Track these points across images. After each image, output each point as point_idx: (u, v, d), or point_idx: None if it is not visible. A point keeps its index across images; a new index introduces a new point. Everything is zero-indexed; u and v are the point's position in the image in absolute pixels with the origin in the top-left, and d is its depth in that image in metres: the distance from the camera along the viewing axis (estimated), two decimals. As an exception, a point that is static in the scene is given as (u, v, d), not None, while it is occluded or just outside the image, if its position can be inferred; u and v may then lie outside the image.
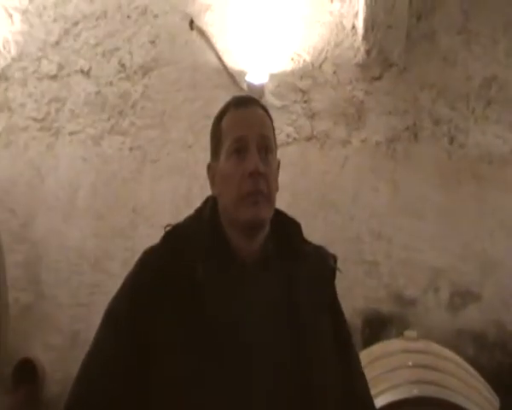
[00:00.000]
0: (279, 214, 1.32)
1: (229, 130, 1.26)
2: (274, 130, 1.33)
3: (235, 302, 1.22)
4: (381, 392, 2.09)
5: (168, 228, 1.29)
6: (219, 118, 1.30)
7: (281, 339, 1.22)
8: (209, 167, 1.32)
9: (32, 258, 3.32)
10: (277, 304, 1.24)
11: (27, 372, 3.10)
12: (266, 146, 1.27)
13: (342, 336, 1.36)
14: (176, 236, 1.27)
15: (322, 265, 1.34)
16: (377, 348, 2.58)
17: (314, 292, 1.29)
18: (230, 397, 1.17)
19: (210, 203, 1.32)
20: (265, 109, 1.33)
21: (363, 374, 1.41)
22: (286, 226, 1.33)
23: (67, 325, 3.25)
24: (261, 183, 1.23)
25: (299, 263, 1.29)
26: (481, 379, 2.40)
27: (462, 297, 3.14)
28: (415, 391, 2.05)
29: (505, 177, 3.15)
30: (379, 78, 3.31)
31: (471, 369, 2.44)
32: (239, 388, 1.17)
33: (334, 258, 1.37)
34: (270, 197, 1.26)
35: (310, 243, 1.36)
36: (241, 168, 1.23)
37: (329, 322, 1.31)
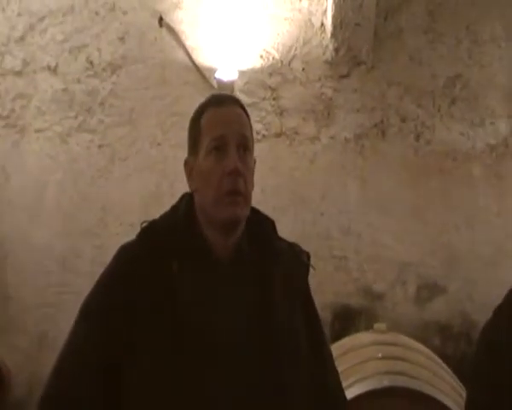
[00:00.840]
0: (253, 212, 1.34)
1: (209, 128, 1.27)
2: (252, 129, 1.35)
3: (207, 300, 1.23)
4: (352, 383, 2.12)
5: (144, 224, 1.29)
6: (198, 115, 1.31)
7: (252, 337, 1.23)
8: (186, 163, 1.33)
9: (-3, 258, 3.26)
10: (251, 302, 1.26)
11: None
12: (245, 145, 1.28)
13: (315, 334, 1.37)
14: (152, 232, 1.28)
15: (295, 262, 1.36)
16: (348, 341, 2.61)
17: (288, 289, 1.30)
18: (196, 394, 1.18)
19: (185, 200, 1.33)
20: (244, 108, 1.34)
21: (335, 370, 1.43)
22: (260, 224, 1.35)
23: (34, 327, 3.18)
24: (240, 182, 1.25)
25: (273, 260, 1.31)
26: (448, 369, 2.45)
27: (429, 290, 3.20)
28: (385, 382, 2.09)
29: (469, 172, 3.22)
30: (347, 75, 3.35)
31: (438, 359, 2.49)
32: (206, 385, 1.18)
33: (308, 255, 1.39)
34: (247, 197, 1.28)
35: (283, 240, 1.37)
36: (221, 166, 1.24)
37: (303, 319, 1.33)
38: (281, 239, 1.38)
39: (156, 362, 1.19)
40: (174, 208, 1.33)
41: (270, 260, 1.31)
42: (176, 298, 1.21)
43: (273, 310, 1.27)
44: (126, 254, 1.28)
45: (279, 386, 1.22)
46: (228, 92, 3.25)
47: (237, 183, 1.24)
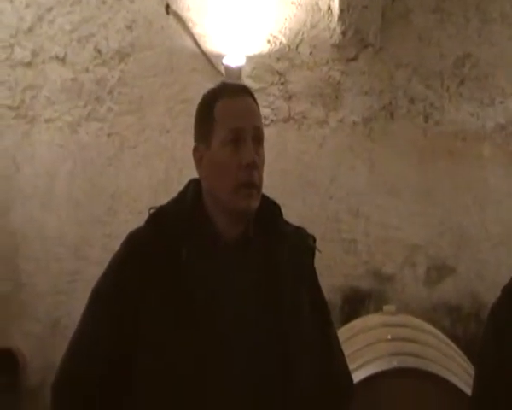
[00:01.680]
0: (261, 197, 1.35)
1: (225, 119, 1.29)
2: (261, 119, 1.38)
3: (215, 287, 1.25)
4: (362, 365, 2.12)
5: (152, 210, 1.32)
6: (210, 103, 1.32)
7: (260, 324, 1.26)
8: (196, 150, 1.34)
9: (10, 248, 3.30)
10: (258, 283, 1.28)
11: (7, 361, 3.09)
12: (259, 137, 1.31)
13: (322, 317, 1.39)
14: (160, 217, 1.31)
15: (301, 245, 1.37)
16: (357, 323, 2.61)
17: (294, 271, 1.32)
18: (203, 382, 1.21)
19: (192, 186, 1.36)
20: (254, 98, 1.36)
21: (341, 354, 1.45)
22: (267, 209, 1.36)
23: (47, 314, 3.24)
24: (255, 175, 1.28)
25: (279, 243, 1.33)
26: (458, 349, 2.44)
27: (439, 271, 3.19)
28: (394, 363, 2.07)
29: (479, 153, 3.19)
30: (355, 58, 3.33)
31: (448, 340, 2.49)
32: (214, 360, 1.21)
33: (313, 238, 1.40)
34: (260, 189, 1.31)
35: (290, 225, 1.39)
36: (237, 159, 1.27)
37: (309, 304, 1.35)
38: (287, 223, 1.40)
39: (163, 349, 1.22)
40: (181, 194, 1.36)
41: (276, 246, 1.33)
42: (184, 285, 1.24)
43: (280, 297, 1.29)
44: (134, 240, 1.30)
45: (288, 373, 1.24)
46: (235, 79, 3.25)
47: (253, 175, 1.27)
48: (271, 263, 1.31)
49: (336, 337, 1.45)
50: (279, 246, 1.33)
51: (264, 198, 1.36)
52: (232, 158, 1.27)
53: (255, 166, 1.28)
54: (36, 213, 3.31)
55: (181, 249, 1.25)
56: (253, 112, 1.33)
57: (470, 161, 3.17)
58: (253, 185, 1.28)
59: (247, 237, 1.32)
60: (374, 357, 2.17)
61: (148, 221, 1.31)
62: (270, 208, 1.38)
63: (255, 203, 1.29)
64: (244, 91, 1.35)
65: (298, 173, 3.25)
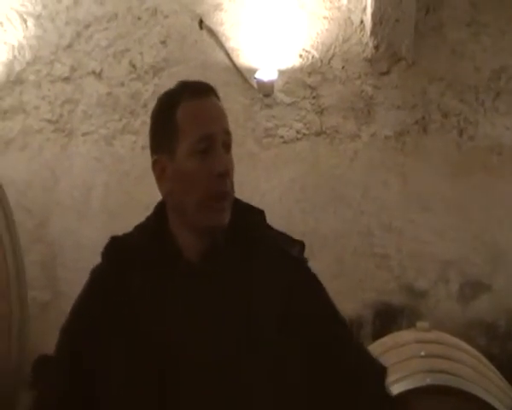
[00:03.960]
0: (237, 203, 1.24)
1: (191, 125, 1.17)
2: None
3: (172, 311, 1.16)
4: (395, 381, 2.10)
5: (107, 241, 1.26)
6: (171, 108, 1.19)
7: (220, 349, 1.14)
8: (157, 162, 1.21)
9: (48, 257, 3.39)
10: (224, 306, 1.16)
11: (46, 369, 3.15)
12: (228, 143, 1.20)
13: (318, 331, 1.23)
14: (114, 247, 1.25)
15: (279, 255, 1.22)
16: (389, 339, 2.59)
17: (267, 286, 1.19)
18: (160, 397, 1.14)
19: (157, 207, 1.28)
20: (219, 96, 1.23)
21: (355, 349, 1.29)
22: (245, 215, 1.24)
23: (84, 322, 3.30)
24: (227, 184, 1.17)
25: (251, 255, 1.20)
26: (494, 369, 2.41)
27: (473, 288, 3.14)
28: (428, 380, 2.06)
29: (515, 167, 3.15)
30: (387, 72, 3.33)
31: (483, 358, 2.45)
32: (168, 404, 1.14)
33: (300, 245, 1.26)
34: (233, 198, 1.21)
35: (272, 232, 1.27)
36: (207, 168, 1.16)
37: (290, 319, 1.19)
38: (269, 230, 1.26)
39: (116, 382, 1.16)
40: (147, 218, 1.29)
41: (250, 253, 1.20)
42: (137, 313, 1.17)
43: (248, 318, 1.15)
44: (92, 274, 1.28)
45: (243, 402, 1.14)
46: (268, 93, 3.28)
47: (226, 185, 1.17)
48: (240, 278, 1.18)
49: (347, 336, 1.29)
50: (250, 256, 1.20)
51: (243, 205, 1.26)
52: (201, 167, 1.15)
53: (228, 174, 1.17)
54: (73, 223, 3.40)
55: (133, 277, 1.18)
56: (222, 114, 1.20)
57: (505, 175, 3.13)
58: (226, 195, 1.17)
59: (215, 249, 1.20)
60: (407, 373, 2.15)
61: (101, 253, 1.26)
62: (250, 215, 1.25)
63: (227, 217, 1.18)
64: (208, 90, 1.21)
65: (330, 187, 3.26)
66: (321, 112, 3.35)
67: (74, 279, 3.35)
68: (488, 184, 3.13)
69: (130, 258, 1.21)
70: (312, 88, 3.37)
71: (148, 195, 3.35)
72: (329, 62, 3.36)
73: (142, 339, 1.15)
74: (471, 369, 2.27)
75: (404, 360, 2.24)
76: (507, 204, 3.09)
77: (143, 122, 3.44)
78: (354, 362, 1.25)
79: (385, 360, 2.26)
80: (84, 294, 1.28)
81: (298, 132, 3.31)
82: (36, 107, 3.48)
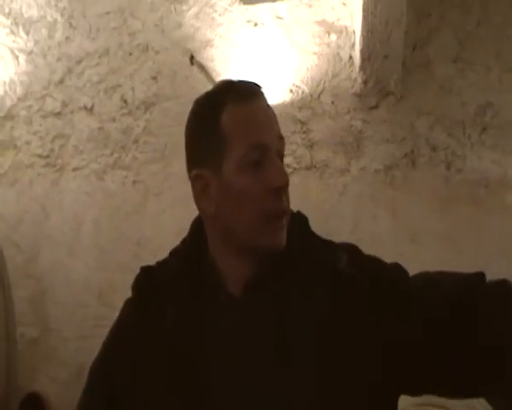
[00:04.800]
0: None
1: (240, 133, 1.00)
2: None
3: (213, 355, 1.01)
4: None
5: (138, 273, 1.13)
6: (214, 113, 1.02)
7: (267, 378, 0.97)
8: (197, 178, 1.04)
9: (38, 293, 3.37)
10: (267, 338, 0.99)
11: (34, 406, 3.12)
12: (282, 152, 1.06)
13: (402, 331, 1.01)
14: (145, 278, 1.12)
15: (324, 267, 1.04)
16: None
17: (314, 309, 1.01)
18: None
19: (193, 228, 1.13)
20: (264, 95, 1.08)
21: (439, 274, 1.12)
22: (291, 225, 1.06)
23: (73, 359, 3.27)
24: (285, 199, 1.01)
25: (296, 276, 1.03)
26: (486, 404, 2.39)
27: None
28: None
29: (502, 200, 3.17)
30: (376, 107, 3.37)
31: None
32: None
33: (351, 249, 1.09)
34: (289, 215, 1.04)
35: (318, 239, 1.11)
36: (262, 183, 0.99)
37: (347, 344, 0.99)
38: (315, 237, 1.09)
39: None
40: (182, 242, 1.14)
41: (293, 276, 1.02)
42: (172, 354, 1.02)
43: (287, 360, 0.96)
44: (124, 311, 1.15)
45: None
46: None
47: (284, 201, 1.00)
48: (282, 311, 1.00)
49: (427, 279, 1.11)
50: (296, 278, 1.02)
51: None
52: (255, 183, 0.99)
53: (286, 188, 1.01)
54: (63, 258, 3.39)
55: (168, 312, 1.04)
56: (273, 118, 1.04)
57: (493, 208, 3.16)
58: (285, 213, 1.01)
59: (260, 278, 1.02)
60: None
61: (132, 286, 1.13)
62: (293, 223, 1.05)
63: (285, 237, 1.01)
64: (257, 90, 1.06)
65: (320, 221, 3.21)
66: (311, 146, 3.38)
67: (63, 315, 3.36)
68: (476, 216, 3.15)
69: (164, 289, 1.06)
70: (302, 123, 3.41)
71: (139, 230, 3.42)
72: (319, 97, 3.41)
73: (179, 382, 1.00)
74: (461, 403, 2.26)
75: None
76: (495, 236, 3.11)
77: (134, 157, 3.47)
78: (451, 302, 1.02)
79: None
80: (115, 330, 1.15)
81: (288, 166, 3.33)
82: (27, 142, 3.50)
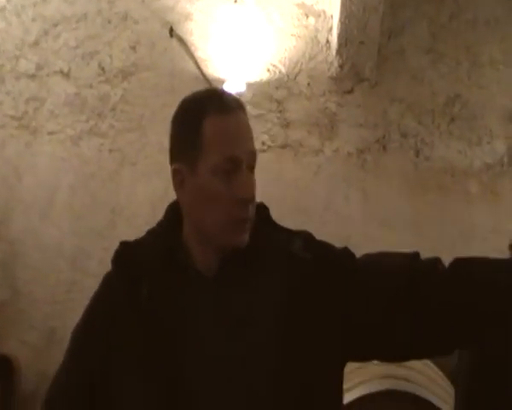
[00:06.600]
0: None
1: (218, 143, 1.10)
2: None
3: (181, 326, 1.12)
4: (354, 386, 2.21)
5: (117, 246, 1.20)
6: (197, 118, 1.11)
7: (228, 366, 1.09)
8: (177, 171, 1.14)
9: (9, 256, 3.34)
10: (233, 319, 1.11)
11: (3, 369, 3.11)
12: (253, 165, 1.14)
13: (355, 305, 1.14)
14: (123, 253, 1.19)
15: (281, 252, 1.16)
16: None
17: (280, 295, 1.13)
18: None
19: (169, 211, 1.22)
20: (245, 110, 1.16)
21: (384, 256, 1.23)
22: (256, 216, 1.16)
23: (43, 323, 3.27)
24: (251, 209, 1.12)
25: (258, 260, 1.15)
26: (443, 376, 2.56)
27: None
28: (386, 385, 2.17)
29: (466, 189, 3.33)
30: (351, 91, 3.47)
31: (434, 366, 2.60)
32: None
33: (304, 235, 1.20)
34: (252, 220, 1.14)
35: (277, 227, 1.21)
36: (232, 192, 1.09)
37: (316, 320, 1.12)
38: (276, 228, 1.20)
39: (125, 402, 1.12)
40: (159, 223, 1.21)
41: (257, 264, 1.14)
42: (145, 329, 1.12)
43: (255, 331, 1.09)
44: (103, 283, 1.21)
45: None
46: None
47: (249, 211, 1.11)
48: (249, 289, 1.12)
49: (377, 257, 1.22)
50: (260, 266, 1.14)
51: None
52: (225, 190, 1.09)
53: (252, 200, 1.11)
54: (35, 223, 3.36)
55: (143, 287, 1.12)
56: (249, 134, 1.13)
57: (458, 196, 3.32)
58: (249, 220, 1.12)
59: (226, 262, 1.14)
60: (366, 378, 2.26)
61: (112, 261, 1.19)
62: (258, 214, 1.16)
63: (247, 238, 1.12)
64: (236, 104, 1.13)
65: (293, 199, 3.35)
66: (286, 125, 3.45)
67: (34, 279, 3.35)
68: (442, 203, 3.31)
69: (140, 266, 1.15)
70: (278, 102, 3.47)
71: (114, 198, 3.42)
72: (296, 78, 3.48)
73: (153, 354, 1.10)
74: (424, 376, 2.41)
75: (363, 367, 2.34)
76: (458, 224, 3.27)
77: (111, 125, 3.46)
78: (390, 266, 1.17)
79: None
80: (93, 302, 1.22)
81: (263, 144, 3.40)
82: (-1, 102, 3.44)
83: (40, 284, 3.31)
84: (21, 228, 3.37)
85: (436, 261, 1.17)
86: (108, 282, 1.20)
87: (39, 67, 3.49)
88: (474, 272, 1.13)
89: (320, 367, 1.11)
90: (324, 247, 1.22)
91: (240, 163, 1.10)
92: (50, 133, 3.44)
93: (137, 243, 1.20)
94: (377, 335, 1.13)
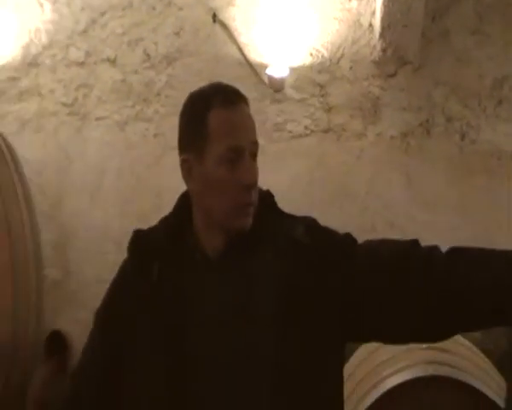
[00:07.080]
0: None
1: (222, 135, 1.19)
2: None
3: (190, 304, 1.21)
4: (398, 370, 2.21)
5: (132, 235, 1.30)
6: (203, 112, 1.20)
7: (232, 345, 1.17)
8: (184, 161, 1.25)
9: (61, 237, 3.47)
10: (236, 302, 1.19)
11: (57, 344, 3.25)
12: (255, 153, 1.23)
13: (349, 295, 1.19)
14: (137, 241, 1.30)
15: (289, 243, 1.22)
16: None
17: (281, 280, 1.19)
18: (180, 391, 1.18)
19: (180, 200, 1.32)
20: (248, 103, 1.24)
21: (384, 242, 1.26)
22: (260, 203, 1.25)
23: (92, 301, 3.34)
24: (254, 195, 1.21)
25: (261, 245, 1.22)
26: (488, 361, 2.54)
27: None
28: (430, 370, 2.15)
29: (513, 172, 3.28)
30: (394, 75, 3.43)
31: (479, 352, 2.58)
32: (189, 396, 1.18)
33: (308, 222, 1.25)
34: (256, 204, 1.23)
35: (281, 214, 1.27)
36: (236, 178, 1.19)
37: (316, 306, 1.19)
38: (282, 215, 1.27)
39: (138, 375, 1.22)
40: (171, 212, 1.33)
41: (261, 248, 1.22)
42: (156, 305, 1.22)
43: (254, 316, 1.17)
44: (120, 269, 1.34)
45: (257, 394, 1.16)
46: (278, 89, 3.37)
47: (252, 196, 1.20)
48: (251, 272, 1.20)
49: (374, 244, 1.26)
50: (263, 251, 1.21)
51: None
52: (230, 177, 1.18)
53: (255, 186, 1.20)
54: (85, 205, 3.48)
55: (154, 271, 1.22)
56: (251, 125, 1.22)
57: (504, 179, 3.26)
58: (252, 205, 1.21)
59: (232, 247, 1.22)
60: (410, 363, 2.24)
61: (127, 248, 1.31)
62: (264, 201, 1.26)
63: (251, 221, 1.21)
64: (239, 98, 1.22)
65: (336, 183, 3.36)
66: (329, 110, 3.45)
67: (84, 260, 3.47)
68: (488, 186, 3.25)
69: (151, 251, 1.25)
70: (321, 86, 3.47)
71: (158, 182, 3.50)
72: (338, 62, 3.46)
73: (165, 332, 1.20)
74: (469, 362, 2.38)
75: (407, 351, 2.34)
76: (505, 207, 3.21)
77: (156, 111, 3.53)
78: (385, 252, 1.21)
79: (390, 350, 2.38)
80: (112, 286, 1.34)
81: (306, 128, 3.42)
82: (51, 90, 3.55)
83: (89, 264, 3.42)
84: (72, 211, 3.48)
85: (434, 248, 1.22)
86: (124, 267, 1.32)
87: (88, 55, 3.58)
88: (470, 257, 1.19)
89: (320, 349, 1.18)
90: (326, 233, 1.26)
91: (243, 152, 1.19)
92: (98, 119, 3.53)
93: (150, 230, 1.31)
94: (375, 317, 1.18)
